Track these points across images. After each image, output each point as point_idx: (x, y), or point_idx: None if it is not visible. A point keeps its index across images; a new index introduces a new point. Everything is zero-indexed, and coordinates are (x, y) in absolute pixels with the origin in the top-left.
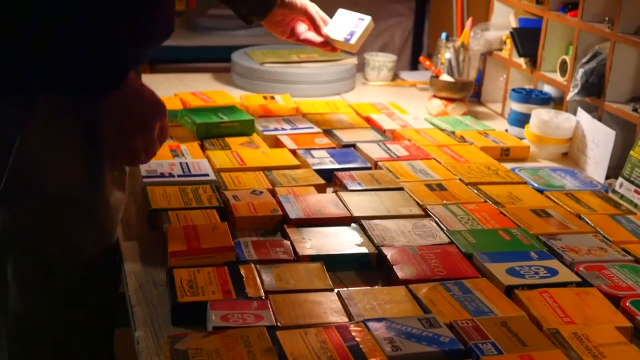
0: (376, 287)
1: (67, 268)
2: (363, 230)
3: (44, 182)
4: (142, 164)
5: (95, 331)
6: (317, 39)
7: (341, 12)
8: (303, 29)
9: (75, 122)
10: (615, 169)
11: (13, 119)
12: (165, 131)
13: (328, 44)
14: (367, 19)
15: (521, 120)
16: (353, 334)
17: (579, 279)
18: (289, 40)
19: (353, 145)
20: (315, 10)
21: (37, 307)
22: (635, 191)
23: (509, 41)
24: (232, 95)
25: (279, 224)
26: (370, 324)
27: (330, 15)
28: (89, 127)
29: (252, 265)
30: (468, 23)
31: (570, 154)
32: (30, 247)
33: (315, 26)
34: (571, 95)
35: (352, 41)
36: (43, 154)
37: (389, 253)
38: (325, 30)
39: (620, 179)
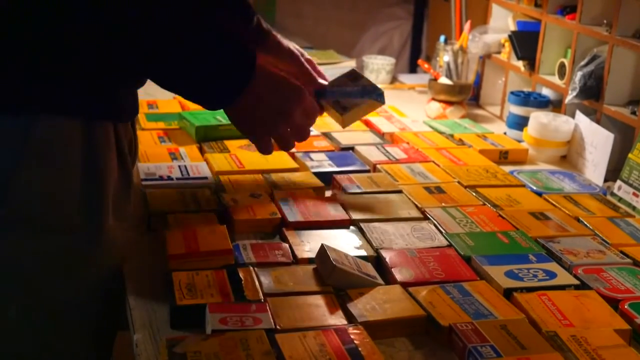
0: (372, 287)
1: (76, 304)
2: (362, 233)
3: (45, 214)
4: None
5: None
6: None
7: (352, 71)
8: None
9: (77, 148)
10: (613, 172)
11: (11, 145)
12: (310, 112)
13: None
14: (373, 93)
15: (520, 123)
16: (352, 336)
17: (577, 282)
18: None
19: (352, 148)
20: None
21: (46, 346)
22: (634, 194)
23: (507, 44)
24: None
25: (278, 227)
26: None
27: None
28: (91, 154)
29: (251, 268)
30: (466, 26)
31: (569, 156)
32: (36, 286)
33: (309, 81)
34: (569, 98)
35: (343, 112)
36: (42, 183)
37: (387, 256)
38: (322, 82)
39: (618, 182)
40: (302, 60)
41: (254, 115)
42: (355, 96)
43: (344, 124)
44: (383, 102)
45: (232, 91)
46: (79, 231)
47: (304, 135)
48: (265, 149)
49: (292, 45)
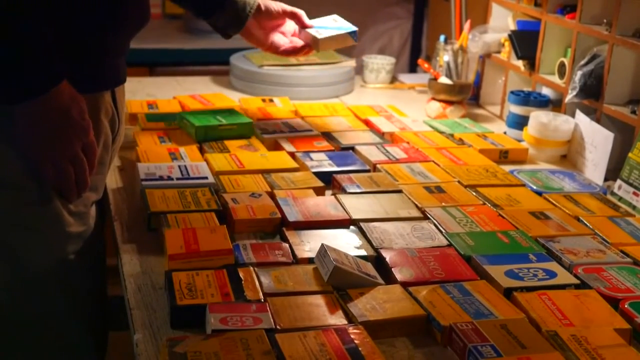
0: (372, 287)
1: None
2: (362, 232)
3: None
4: (73, 183)
5: (77, 330)
6: (298, 42)
7: (334, 17)
8: (283, 42)
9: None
10: (613, 171)
11: None
12: (90, 150)
13: (304, 48)
14: (349, 28)
15: (520, 122)
16: (352, 336)
17: (577, 281)
18: (269, 52)
19: (352, 148)
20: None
21: (11, 302)
22: (634, 193)
23: (507, 43)
24: (231, 98)
25: (278, 227)
26: None
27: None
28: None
29: (251, 268)
30: (466, 25)
31: (569, 156)
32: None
33: (297, 18)
34: (569, 97)
35: (320, 36)
36: None
37: (387, 255)
38: (309, 22)
39: (618, 181)
40: (294, 9)
41: (38, 132)
42: (332, 29)
43: (319, 48)
44: (356, 40)
45: (20, 90)
46: (25, 190)
47: (81, 167)
48: (45, 175)
49: (281, 8)
